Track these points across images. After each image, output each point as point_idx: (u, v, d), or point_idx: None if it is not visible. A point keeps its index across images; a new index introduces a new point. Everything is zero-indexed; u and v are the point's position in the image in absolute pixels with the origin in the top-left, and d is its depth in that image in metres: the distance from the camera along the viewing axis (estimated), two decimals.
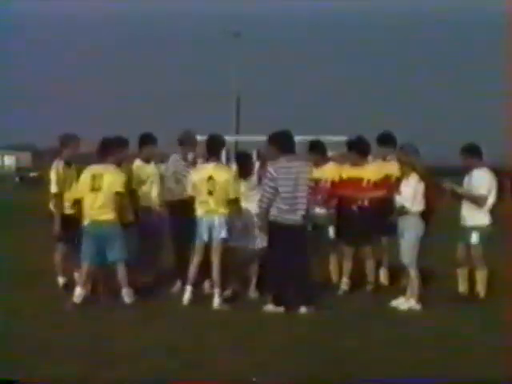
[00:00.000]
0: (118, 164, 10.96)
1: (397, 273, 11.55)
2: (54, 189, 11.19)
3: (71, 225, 10.94)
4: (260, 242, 10.94)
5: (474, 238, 10.98)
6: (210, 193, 10.58)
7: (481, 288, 11.02)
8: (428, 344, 8.65)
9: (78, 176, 10.98)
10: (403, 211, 10.54)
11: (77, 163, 11.45)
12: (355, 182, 11.45)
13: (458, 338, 8.96)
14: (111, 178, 10.60)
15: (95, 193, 10.55)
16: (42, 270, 12.27)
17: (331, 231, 11.63)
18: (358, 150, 11.56)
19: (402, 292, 10.82)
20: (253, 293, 11.26)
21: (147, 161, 11.54)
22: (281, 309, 10.24)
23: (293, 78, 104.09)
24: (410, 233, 10.60)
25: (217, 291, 10.55)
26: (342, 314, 10.09)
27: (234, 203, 10.69)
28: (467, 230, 11.04)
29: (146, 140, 11.61)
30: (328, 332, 9.20)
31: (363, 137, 11.77)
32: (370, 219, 11.27)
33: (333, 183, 11.66)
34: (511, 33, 43.69)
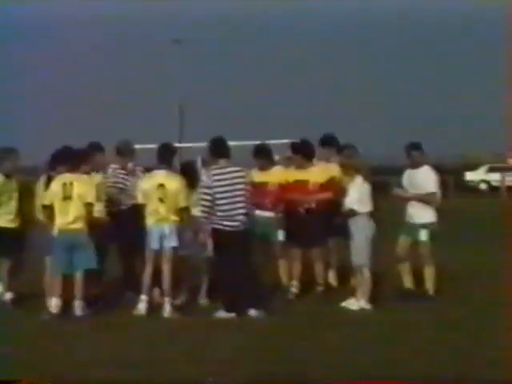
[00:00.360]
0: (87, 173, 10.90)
1: (345, 274, 11.60)
2: None
3: (10, 238, 10.92)
4: (208, 248, 10.90)
5: (423, 235, 11.06)
6: (161, 200, 10.52)
7: (430, 285, 11.12)
8: (381, 343, 8.69)
9: (21, 189, 11.06)
10: (351, 213, 10.62)
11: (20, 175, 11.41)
12: (301, 185, 11.46)
13: (411, 336, 9.03)
14: (82, 188, 10.53)
15: (66, 202, 10.48)
16: None
17: (280, 235, 11.65)
18: (302, 152, 11.57)
19: (351, 293, 10.89)
20: (203, 300, 11.23)
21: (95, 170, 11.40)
22: (232, 315, 10.23)
23: (236, 83, 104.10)
24: (360, 234, 10.67)
25: (167, 300, 10.48)
26: (292, 317, 10.12)
27: (184, 211, 10.66)
28: (414, 228, 11.12)
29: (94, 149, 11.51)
30: (280, 335, 9.20)
31: (307, 140, 11.81)
32: (317, 221, 11.29)
33: (280, 187, 11.68)
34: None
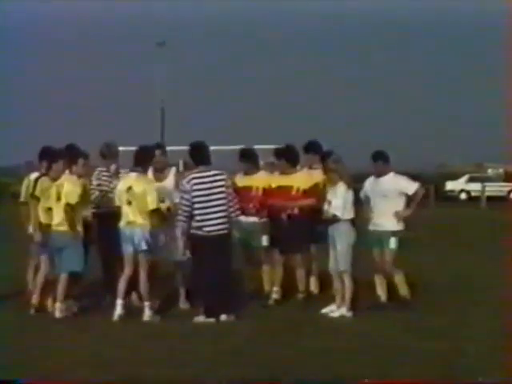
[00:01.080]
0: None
1: (326, 281, 11.56)
2: None
3: None
4: (185, 253, 10.83)
5: (392, 242, 10.93)
6: (129, 203, 10.48)
7: (404, 291, 10.98)
8: (362, 351, 8.67)
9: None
10: (334, 219, 10.59)
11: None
12: (285, 191, 11.42)
13: (393, 343, 9.01)
14: (68, 189, 10.57)
15: (58, 203, 10.56)
16: None
17: (264, 240, 11.60)
18: (286, 158, 11.53)
19: (332, 300, 10.87)
20: (183, 304, 11.17)
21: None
22: (211, 320, 10.17)
23: (219, 86, 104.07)
24: (342, 240, 10.64)
25: (146, 304, 10.43)
26: (272, 323, 10.09)
27: (154, 214, 10.54)
28: (381, 236, 10.97)
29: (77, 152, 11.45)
30: (260, 342, 9.17)
31: (292, 145, 11.77)
32: (299, 227, 11.24)
33: (264, 192, 11.64)
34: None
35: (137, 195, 10.45)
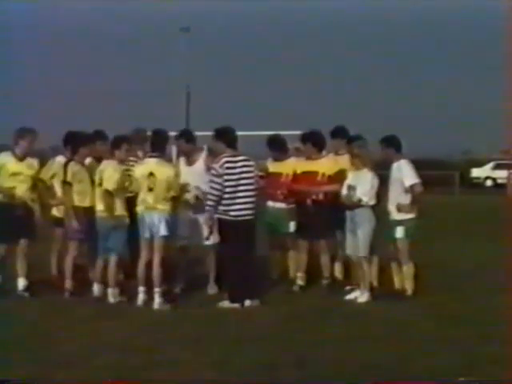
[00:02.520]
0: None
1: (351, 267, 11.55)
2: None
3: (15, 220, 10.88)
4: (213, 237, 10.85)
5: (399, 232, 10.79)
6: (150, 189, 10.40)
7: (409, 284, 10.81)
8: (386, 337, 8.67)
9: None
10: (359, 204, 10.58)
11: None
12: (310, 176, 11.40)
13: (417, 330, 9.02)
14: (108, 175, 10.61)
15: (99, 188, 10.65)
16: None
17: (292, 226, 11.60)
18: (312, 142, 11.50)
19: (356, 286, 10.91)
20: (211, 289, 11.20)
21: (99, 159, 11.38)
22: (236, 305, 10.20)
23: (244, 72, 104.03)
24: (364, 226, 10.63)
25: (157, 290, 10.32)
26: (298, 309, 10.11)
27: (174, 200, 10.53)
28: (391, 224, 10.86)
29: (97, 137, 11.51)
30: (285, 327, 9.18)
31: (317, 130, 11.74)
32: (324, 213, 11.22)
33: (290, 177, 11.64)
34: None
35: (158, 181, 10.39)
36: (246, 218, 10.42)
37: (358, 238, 10.68)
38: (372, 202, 10.64)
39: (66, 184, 10.90)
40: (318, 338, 8.63)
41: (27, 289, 10.86)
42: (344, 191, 10.72)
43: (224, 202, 10.35)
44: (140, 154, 11.47)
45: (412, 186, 10.82)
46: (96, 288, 10.74)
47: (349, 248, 10.85)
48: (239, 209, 10.39)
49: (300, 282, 11.52)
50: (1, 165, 10.94)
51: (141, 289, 10.37)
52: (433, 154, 56.71)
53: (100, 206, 10.64)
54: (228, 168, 10.34)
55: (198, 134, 12.14)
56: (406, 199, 10.80)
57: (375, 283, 11.05)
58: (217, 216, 10.44)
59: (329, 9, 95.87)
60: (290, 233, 11.63)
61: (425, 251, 13.45)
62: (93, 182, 10.86)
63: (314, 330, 9.02)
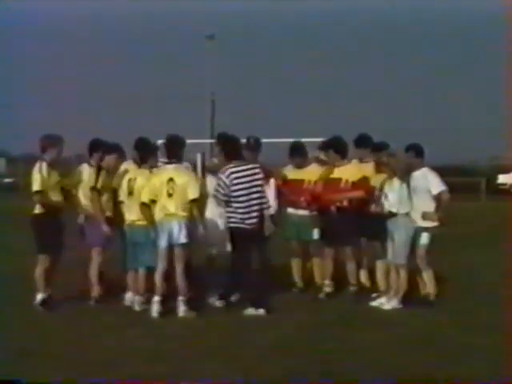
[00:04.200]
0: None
1: (374, 274, 11.52)
2: (36, 187, 10.50)
3: (56, 230, 10.69)
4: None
5: (423, 238, 10.74)
6: (170, 195, 10.30)
7: (431, 289, 10.82)
8: (413, 345, 8.65)
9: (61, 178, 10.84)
10: (391, 214, 10.57)
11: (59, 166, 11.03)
12: (334, 183, 11.38)
13: (444, 338, 8.98)
14: (140, 184, 10.60)
15: (131, 197, 10.66)
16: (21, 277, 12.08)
17: (315, 233, 11.59)
18: (335, 149, 11.47)
19: (382, 292, 10.90)
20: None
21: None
22: (261, 311, 10.21)
23: (268, 79, 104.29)
24: (400, 233, 10.61)
25: (181, 299, 10.26)
26: (324, 316, 10.10)
27: (194, 205, 10.34)
28: (415, 231, 10.75)
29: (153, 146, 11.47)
30: (311, 335, 9.16)
31: (340, 136, 11.71)
32: (349, 220, 11.18)
33: (314, 184, 11.64)
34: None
35: (178, 187, 10.29)
36: (258, 225, 10.50)
37: (394, 246, 10.66)
38: (403, 210, 10.61)
39: (94, 190, 10.90)
40: (345, 345, 8.60)
41: (44, 302, 10.60)
42: (382, 200, 10.73)
43: (239, 210, 10.43)
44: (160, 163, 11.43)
45: (439, 194, 10.78)
46: (128, 297, 10.77)
47: (388, 254, 10.82)
48: (253, 217, 10.46)
49: (327, 288, 11.49)
50: (46, 177, 10.61)
51: (156, 299, 10.23)
52: (459, 160, 56.62)
53: (132, 216, 10.63)
54: (236, 178, 10.41)
55: None
56: (431, 207, 10.76)
57: (404, 290, 11.00)
58: (232, 225, 10.51)
59: (359, 13, 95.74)
60: (313, 240, 11.62)
61: (451, 258, 13.43)
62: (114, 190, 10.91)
63: (340, 337, 8.98)
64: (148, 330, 9.43)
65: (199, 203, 10.48)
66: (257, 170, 10.63)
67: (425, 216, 10.70)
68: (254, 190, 10.50)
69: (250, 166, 10.59)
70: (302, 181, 11.69)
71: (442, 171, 11.13)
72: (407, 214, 10.63)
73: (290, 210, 11.78)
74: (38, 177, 10.52)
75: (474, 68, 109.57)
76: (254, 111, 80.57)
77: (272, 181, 11.63)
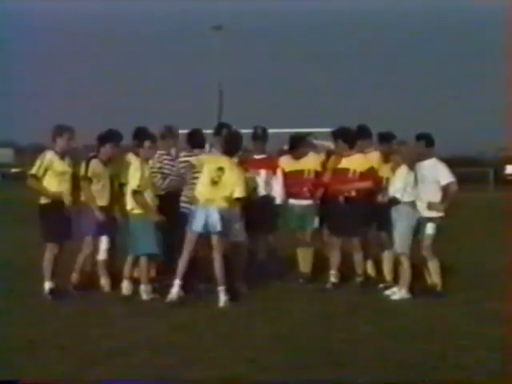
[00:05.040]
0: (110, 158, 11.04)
1: (381, 264, 11.51)
2: (33, 170, 10.61)
3: (63, 219, 10.69)
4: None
5: (428, 228, 10.73)
6: (215, 182, 10.33)
7: (437, 280, 10.81)
8: (422, 335, 8.62)
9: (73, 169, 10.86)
10: (394, 202, 10.55)
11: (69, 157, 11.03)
12: (342, 173, 11.35)
13: (453, 328, 8.95)
14: (130, 173, 10.68)
15: (125, 186, 10.72)
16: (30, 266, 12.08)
17: (316, 221, 11.64)
18: (343, 139, 11.42)
19: (390, 283, 10.91)
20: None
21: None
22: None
23: (275, 69, 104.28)
24: (402, 223, 10.59)
25: (221, 289, 10.24)
26: (331, 307, 10.09)
27: (238, 201, 10.45)
28: (420, 221, 10.75)
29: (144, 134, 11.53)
30: (318, 325, 9.14)
31: (348, 127, 11.69)
32: (356, 210, 11.19)
33: (320, 174, 11.64)
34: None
35: (226, 178, 10.32)
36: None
37: (395, 235, 10.66)
38: (408, 199, 10.59)
39: (85, 180, 10.89)
40: (352, 335, 8.59)
41: (52, 291, 10.64)
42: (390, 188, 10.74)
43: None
44: (173, 151, 11.46)
45: (448, 185, 10.76)
46: (125, 285, 10.76)
47: (395, 244, 10.80)
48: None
49: (333, 279, 11.49)
50: (48, 164, 10.68)
51: (177, 281, 10.25)
52: (466, 151, 56.53)
53: (128, 205, 10.66)
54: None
55: None
56: (438, 197, 10.74)
57: (408, 280, 10.98)
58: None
59: (367, 7, 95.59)
60: (314, 229, 11.68)
61: (459, 249, 13.39)
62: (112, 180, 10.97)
63: (347, 327, 8.98)
64: (152, 320, 9.40)
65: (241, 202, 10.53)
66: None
67: (431, 206, 10.68)
68: None
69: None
70: (302, 171, 11.68)
71: (449, 162, 11.09)
72: (411, 204, 10.62)
73: (292, 201, 11.76)
74: (38, 162, 10.64)
75: (482, 59, 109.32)
76: (261, 101, 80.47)
77: (279, 171, 11.62)
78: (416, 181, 10.74)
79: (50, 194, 10.63)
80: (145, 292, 10.59)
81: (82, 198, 10.96)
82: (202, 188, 10.39)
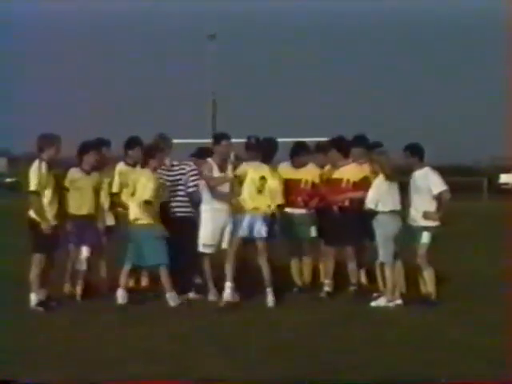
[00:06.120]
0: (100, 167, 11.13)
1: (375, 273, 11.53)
2: (33, 187, 10.37)
3: (52, 231, 10.56)
4: None
5: (423, 237, 10.77)
6: (260, 191, 10.78)
7: (432, 288, 10.82)
8: (414, 344, 8.64)
9: (58, 181, 10.75)
10: (370, 212, 10.70)
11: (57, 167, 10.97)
12: (335, 183, 11.40)
13: (444, 337, 8.98)
14: (143, 185, 10.73)
15: (133, 198, 10.78)
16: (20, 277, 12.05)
17: (313, 231, 11.68)
18: (338, 149, 11.47)
19: (383, 292, 10.92)
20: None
21: (133, 165, 11.42)
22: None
23: (269, 79, 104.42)
24: (379, 232, 10.69)
25: (269, 290, 10.65)
26: (325, 316, 10.10)
27: (279, 208, 10.95)
28: (415, 230, 10.83)
29: (133, 143, 11.56)
30: (312, 334, 9.16)
31: (343, 136, 11.73)
32: (350, 220, 11.20)
33: (314, 184, 11.68)
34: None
35: (270, 187, 10.80)
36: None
37: (377, 244, 10.74)
38: (384, 208, 10.68)
39: (64, 190, 10.90)
40: (346, 344, 8.60)
41: (41, 303, 10.51)
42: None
43: None
44: (167, 161, 11.46)
45: (440, 194, 10.78)
46: (120, 294, 10.75)
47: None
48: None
49: (327, 288, 11.49)
50: (45, 177, 10.49)
51: (228, 284, 10.61)
52: (460, 159, 56.69)
53: (133, 215, 10.70)
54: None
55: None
56: (432, 207, 10.76)
57: (401, 289, 11.00)
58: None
59: (356, 15, 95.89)
60: (310, 238, 11.70)
61: (452, 258, 13.40)
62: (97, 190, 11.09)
63: (341, 336, 8.99)
64: (149, 329, 9.41)
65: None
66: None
67: (426, 215, 10.71)
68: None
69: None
70: (299, 180, 11.71)
71: (443, 171, 11.12)
72: (390, 213, 10.65)
73: (288, 210, 11.78)
74: (35, 176, 10.42)
75: (474, 67, 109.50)
76: (254, 111, 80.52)
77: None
78: (410, 190, 10.84)
79: (48, 218, 10.47)
80: (171, 299, 10.65)
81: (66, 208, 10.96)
82: (248, 196, 10.83)
